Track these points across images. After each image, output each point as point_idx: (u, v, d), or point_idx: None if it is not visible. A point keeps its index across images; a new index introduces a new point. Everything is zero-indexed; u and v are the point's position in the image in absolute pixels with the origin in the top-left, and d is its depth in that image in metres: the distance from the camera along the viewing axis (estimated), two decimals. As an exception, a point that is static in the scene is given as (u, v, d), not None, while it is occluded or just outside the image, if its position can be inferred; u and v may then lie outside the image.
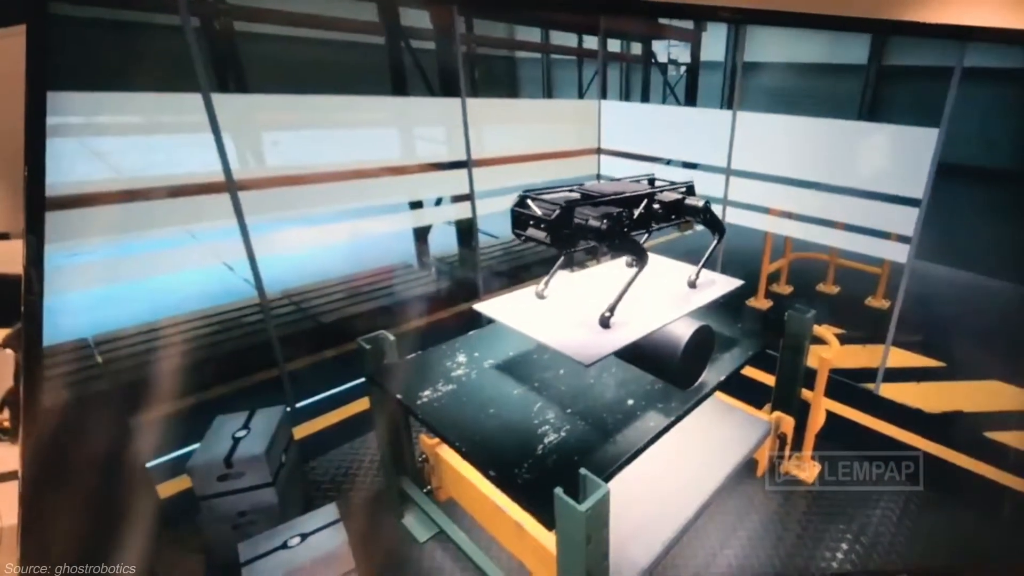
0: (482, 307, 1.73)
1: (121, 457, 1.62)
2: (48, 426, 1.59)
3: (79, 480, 1.60)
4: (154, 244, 1.65)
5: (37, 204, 1.60)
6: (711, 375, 1.81)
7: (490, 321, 1.74)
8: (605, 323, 1.73)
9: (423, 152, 1.76)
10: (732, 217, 1.89)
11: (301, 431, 1.68)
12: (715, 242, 1.86)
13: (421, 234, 1.76)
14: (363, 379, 1.69)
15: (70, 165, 1.60)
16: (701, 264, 1.87)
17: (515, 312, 1.74)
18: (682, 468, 1.84)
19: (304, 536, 1.65)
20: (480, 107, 1.74)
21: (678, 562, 1.79)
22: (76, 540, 1.58)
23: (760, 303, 1.91)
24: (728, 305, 1.86)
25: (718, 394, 1.88)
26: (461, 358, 1.73)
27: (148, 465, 1.61)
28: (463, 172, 1.75)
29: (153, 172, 1.65)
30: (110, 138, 1.64)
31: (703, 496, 1.80)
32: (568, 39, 1.88)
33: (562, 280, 1.83)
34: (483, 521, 1.72)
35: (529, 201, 1.72)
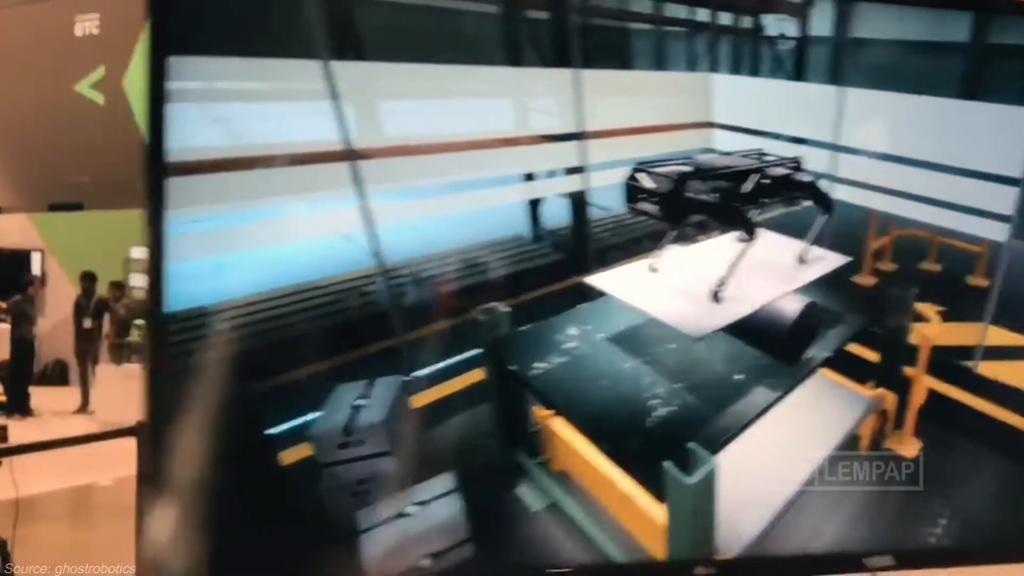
0: (594, 280, 1.74)
1: (241, 425, 1.63)
2: (169, 395, 1.59)
3: (200, 449, 1.60)
4: (273, 212, 1.65)
5: (157, 170, 1.59)
6: (816, 351, 1.83)
7: (601, 294, 1.75)
8: (716, 297, 1.74)
9: (536, 123, 1.76)
10: (837, 193, 1.89)
11: (419, 400, 1.68)
12: (823, 217, 1.87)
13: (533, 206, 1.77)
14: (478, 350, 1.70)
15: (190, 131, 1.60)
16: (810, 240, 1.88)
17: (626, 285, 1.75)
18: (788, 443, 1.86)
19: (421, 504, 1.66)
20: (592, 79, 1.74)
21: (783, 535, 1.80)
22: (198, 510, 1.59)
23: (865, 280, 1.93)
24: (834, 281, 1.87)
25: (822, 370, 1.89)
26: (573, 331, 1.74)
27: (268, 433, 1.61)
28: (576, 144, 1.75)
29: (272, 139, 1.64)
30: (228, 104, 1.64)
31: (808, 470, 1.81)
32: (680, 11, 1.88)
33: (673, 254, 1.84)
34: (594, 492, 1.73)
35: (641, 174, 1.73)
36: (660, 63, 1.79)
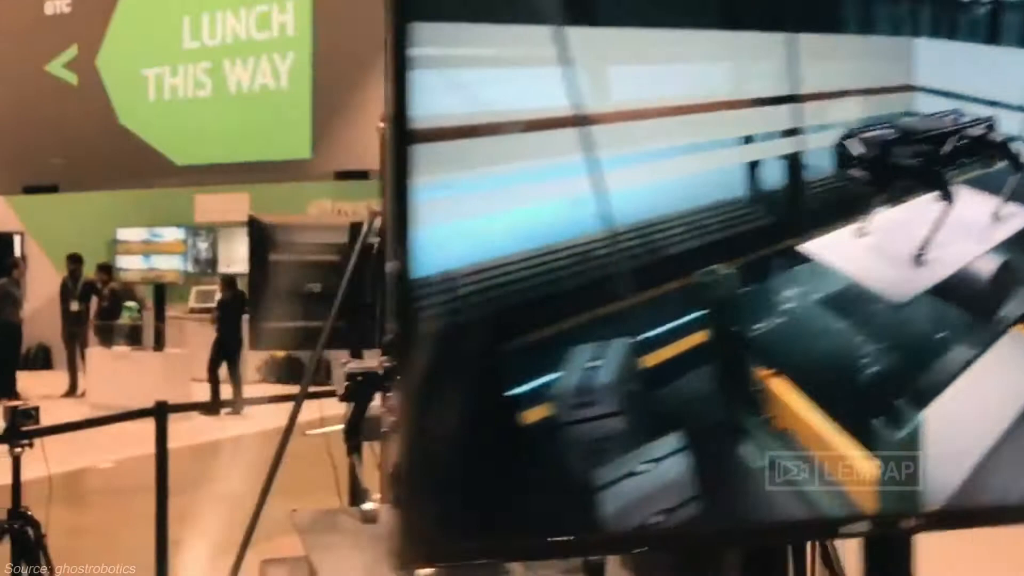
0: (806, 243, 1.79)
1: (485, 387, 1.65)
2: (422, 360, 1.62)
3: (449, 411, 1.63)
4: (508, 178, 1.67)
5: (400, 137, 1.61)
6: (1012, 308, 1.89)
7: (813, 257, 1.79)
8: (918, 260, 1.79)
9: (752, 87, 1.79)
10: (1026, 154, 1.94)
11: (648, 361, 1.72)
12: (1015, 176, 1.92)
13: (751, 170, 1.79)
14: (702, 312, 1.74)
15: (430, 98, 1.61)
16: (1004, 198, 1.93)
17: (836, 249, 1.80)
18: (986, 397, 1.92)
19: (652, 462, 1.70)
20: (806, 43, 1.78)
21: (980, 489, 1.87)
22: (451, 471, 1.62)
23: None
24: (1025, 239, 1.92)
25: (1016, 326, 1.96)
26: (789, 292, 1.78)
27: (509, 394, 1.64)
28: (789, 107, 1.79)
29: (507, 105, 1.66)
30: (466, 70, 1.65)
31: (1004, 424, 1.88)
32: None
33: (879, 218, 1.88)
34: (811, 448, 1.78)
35: (850, 140, 1.77)
36: (866, 27, 1.82)
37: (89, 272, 17.57)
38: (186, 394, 14.82)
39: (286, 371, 19.34)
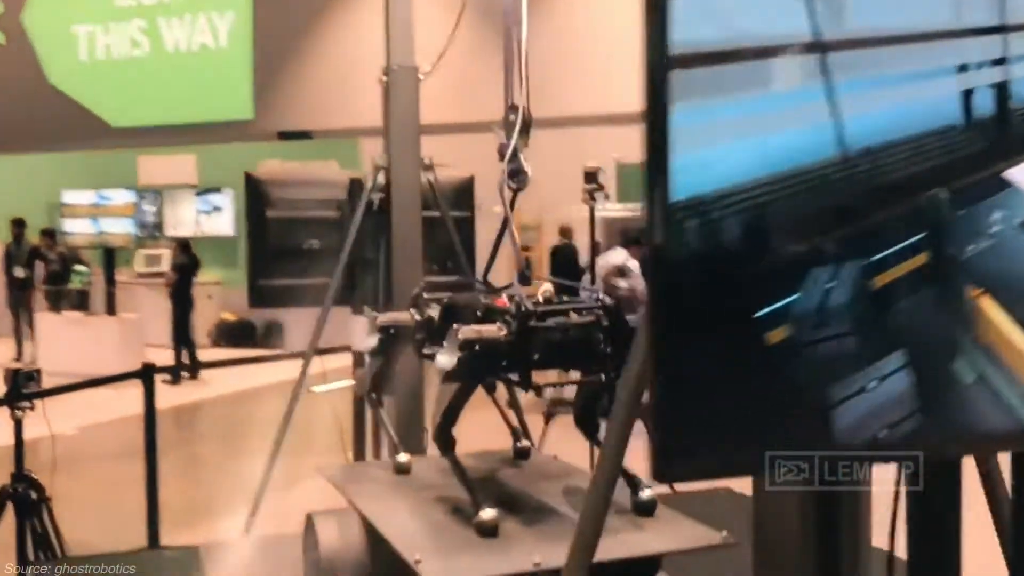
0: (1009, 173, 1.87)
1: (732, 309, 1.70)
2: (674, 283, 1.66)
3: (699, 333, 1.68)
4: (755, 103, 1.71)
5: (660, 64, 1.63)
6: None
7: (1013, 183, 1.87)
8: None
9: (967, 17, 1.85)
10: None
11: (877, 282, 1.78)
12: None
13: (965, 97, 1.86)
14: (924, 233, 1.81)
15: (684, 24, 1.64)
16: None
17: (1031, 177, 1.89)
18: None
19: (879, 379, 1.78)
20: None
21: None
22: (703, 392, 1.67)
23: None
24: None
25: None
26: (996, 215, 1.86)
27: (755, 315, 1.69)
28: (1000, 37, 1.86)
29: (755, 32, 1.69)
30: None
31: None
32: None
33: (1071, 146, 1.97)
34: (1016, 364, 1.88)
35: None
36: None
37: (31, 237, 17.00)
38: (143, 359, 14.54)
39: (236, 334, 19.07)
